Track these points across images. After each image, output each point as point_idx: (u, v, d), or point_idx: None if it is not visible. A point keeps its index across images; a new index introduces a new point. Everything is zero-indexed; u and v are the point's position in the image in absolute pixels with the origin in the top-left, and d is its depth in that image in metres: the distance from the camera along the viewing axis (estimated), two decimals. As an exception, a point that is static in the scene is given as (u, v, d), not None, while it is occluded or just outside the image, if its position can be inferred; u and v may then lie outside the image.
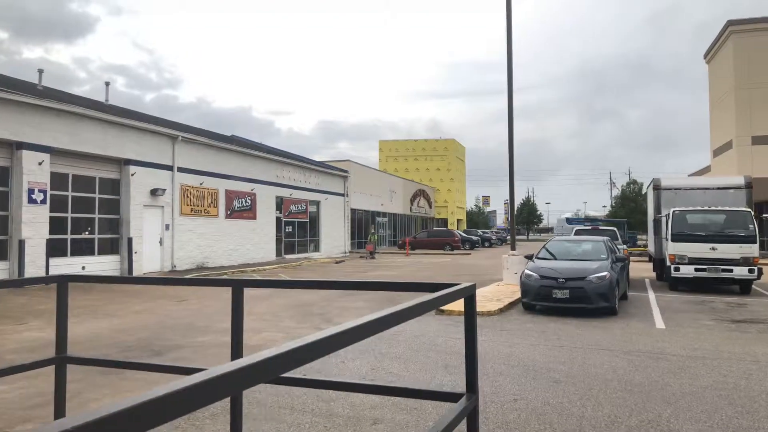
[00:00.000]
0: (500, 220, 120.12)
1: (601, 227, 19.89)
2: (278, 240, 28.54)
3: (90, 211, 17.82)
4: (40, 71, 20.46)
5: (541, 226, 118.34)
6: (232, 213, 24.48)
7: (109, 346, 7.98)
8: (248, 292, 15.15)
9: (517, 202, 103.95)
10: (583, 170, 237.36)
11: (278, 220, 28.54)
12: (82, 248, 17.45)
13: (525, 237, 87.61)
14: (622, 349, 7.78)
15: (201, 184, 22.48)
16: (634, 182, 73.31)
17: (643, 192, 69.39)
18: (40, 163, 15.53)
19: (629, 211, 63.68)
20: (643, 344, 8.15)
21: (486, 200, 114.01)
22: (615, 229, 18.87)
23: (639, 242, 43.90)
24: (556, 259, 12.66)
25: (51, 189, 16.10)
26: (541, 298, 11.14)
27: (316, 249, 32.71)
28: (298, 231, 30.79)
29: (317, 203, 32.77)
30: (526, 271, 11.77)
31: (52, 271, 15.94)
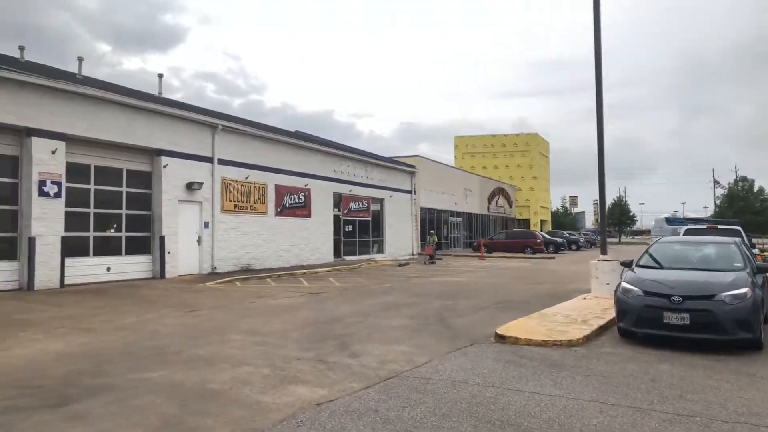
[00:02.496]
0: (589, 221, 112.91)
1: (719, 227, 15.85)
2: (337, 240, 26.22)
3: (116, 207, 16.15)
4: (80, 59, 19.25)
5: (634, 228, 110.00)
6: (282, 210, 22.37)
7: (7, 385, 5.68)
8: (280, 300, 12.80)
9: (608, 202, 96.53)
10: (681, 169, 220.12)
11: (336, 218, 26.21)
12: (108, 247, 15.80)
13: (617, 240, 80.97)
14: (806, 431, 4.50)
15: (246, 178, 20.49)
16: (744, 179, 65.66)
17: (755, 190, 61.76)
18: (53, 152, 13.92)
19: (738, 211, 56.71)
20: (839, 418, 4.80)
21: (573, 200, 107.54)
22: (740, 228, 14.86)
23: (757, 246, 37.90)
24: (663, 267, 9.23)
25: (68, 181, 14.50)
26: (646, 324, 7.85)
27: (380, 250, 30.13)
28: (359, 230, 28.33)
29: (381, 201, 30.18)
30: (624, 285, 8.48)
31: (69, 273, 14.33)
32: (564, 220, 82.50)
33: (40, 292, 13.26)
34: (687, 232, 15.15)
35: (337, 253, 26.13)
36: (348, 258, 26.79)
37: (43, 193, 13.68)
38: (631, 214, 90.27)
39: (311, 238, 24.01)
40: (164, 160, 17.04)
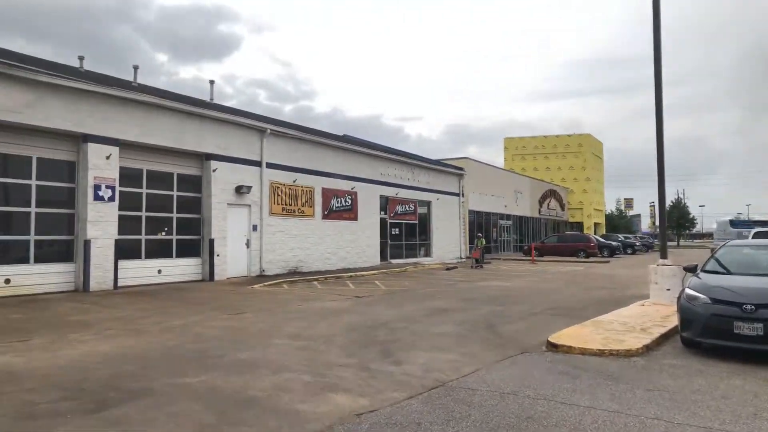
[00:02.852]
0: (645, 224, 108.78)
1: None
2: (383, 243, 26.04)
3: (167, 210, 16.48)
4: (135, 67, 19.74)
5: (694, 231, 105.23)
6: (329, 213, 22.38)
7: (52, 387, 5.71)
8: (325, 304, 12.69)
9: (666, 204, 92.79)
10: (745, 170, 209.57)
11: (383, 221, 26.05)
12: (159, 250, 16.12)
13: (675, 243, 77.72)
14: None
15: (294, 181, 20.59)
16: (816, 179, 61.68)
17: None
18: (107, 157, 14.30)
19: (810, 214, 53.24)
20: None
21: (628, 203, 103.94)
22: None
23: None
24: (731, 273, 8.58)
25: (122, 185, 14.87)
26: (714, 334, 7.26)
27: (427, 253, 29.78)
28: (405, 233, 28.08)
29: (428, 203, 29.83)
30: (689, 292, 7.90)
31: (122, 275, 14.69)
32: (619, 223, 79.86)
33: (94, 293, 13.62)
34: (756, 235, 14.21)
35: (383, 256, 25.97)
36: (394, 261, 26.58)
37: (97, 197, 14.07)
38: (691, 216, 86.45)
39: (358, 241, 23.92)
40: (213, 164, 17.29)
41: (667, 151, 12.51)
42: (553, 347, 7.68)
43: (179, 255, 16.63)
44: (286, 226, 20.15)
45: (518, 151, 64.42)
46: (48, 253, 13.58)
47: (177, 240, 16.64)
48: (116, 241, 14.45)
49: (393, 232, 27.02)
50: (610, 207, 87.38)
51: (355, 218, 23.81)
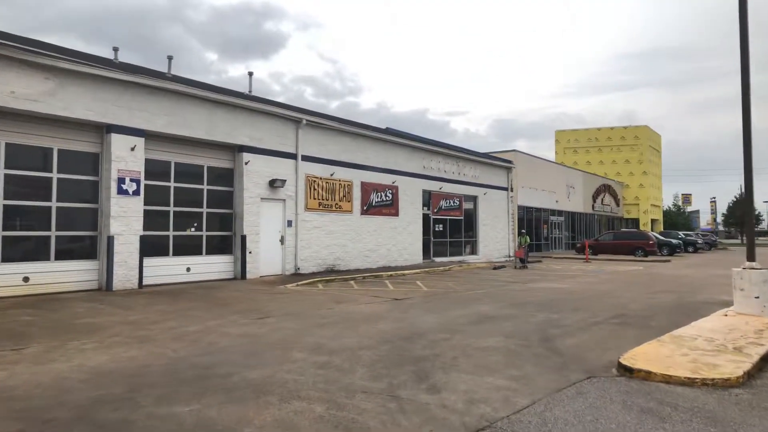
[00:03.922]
0: (704, 221, 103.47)
1: None
2: (426, 240, 24.72)
3: (197, 205, 15.68)
4: (170, 57, 19.05)
5: (759, 228, 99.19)
6: (369, 208, 21.23)
7: (16, 415, 4.72)
8: (359, 307, 11.53)
9: (730, 200, 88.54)
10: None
11: (425, 217, 24.72)
12: (188, 247, 15.33)
13: (738, 241, 73.14)
14: None
15: (331, 175, 19.53)
16: None
17: None
18: (132, 149, 13.55)
19: None
20: None
21: (687, 198, 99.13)
22: None
23: None
24: None
25: (148, 179, 14.12)
26: (840, 361, 5.69)
27: (474, 251, 28.25)
28: (450, 230, 26.64)
29: (474, 198, 28.29)
30: (802, 305, 6.32)
31: (148, 273, 13.94)
32: (677, 219, 75.88)
33: (117, 292, 12.91)
34: None
35: (426, 253, 24.65)
36: (438, 259, 25.22)
37: (121, 191, 13.34)
38: (757, 212, 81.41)
39: (399, 238, 22.70)
40: (246, 156, 16.39)
41: (730, 143, 10.91)
42: (627, 371, 6.25)
43: (209, 252, 15.82)
44: (322, 222, 19.13)
45: (570, 144, 61.65)
46: (70, 250, 12.95)
47: (207, 236, 15.83)
48: (141, 237, 13.71)
49: (436, 229, 25.66)
50: (667, 203, 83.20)
51: (396, 214, 22.59)
